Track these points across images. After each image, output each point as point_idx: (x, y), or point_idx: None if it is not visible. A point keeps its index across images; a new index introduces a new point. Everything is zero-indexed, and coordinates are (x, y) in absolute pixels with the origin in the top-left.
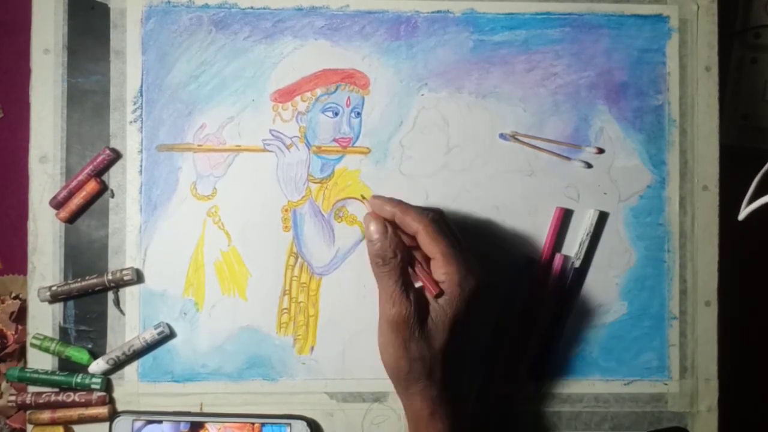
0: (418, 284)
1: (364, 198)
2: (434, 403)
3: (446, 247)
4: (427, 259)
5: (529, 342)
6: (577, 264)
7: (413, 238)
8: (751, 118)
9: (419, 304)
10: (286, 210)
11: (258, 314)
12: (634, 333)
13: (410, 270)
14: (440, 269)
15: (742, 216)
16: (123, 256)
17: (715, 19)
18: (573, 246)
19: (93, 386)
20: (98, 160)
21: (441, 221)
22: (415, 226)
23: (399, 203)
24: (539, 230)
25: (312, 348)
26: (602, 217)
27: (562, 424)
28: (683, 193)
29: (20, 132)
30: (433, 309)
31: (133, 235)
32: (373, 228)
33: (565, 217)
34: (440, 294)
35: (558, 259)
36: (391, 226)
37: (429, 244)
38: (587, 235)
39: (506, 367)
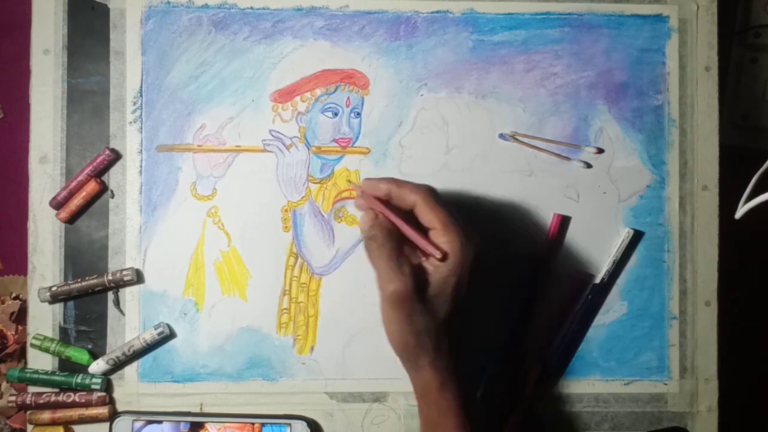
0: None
1: (350, 182)
2: (444, 374)
3: (446, 216)
4: (424, 231)
5: (527, 344)
6: (606, 280)
7: (408, 213)
8: (751, 118)
9: (417, 277)
10: (286, 210)
11: (258, 314)
12: (634, 333)
13: (408, 248)
14: (441, 237)
15: (739, 214)
16: (123, 257)
17: (715, 19)
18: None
19: (93, 386)
20: (98, 161)
21: (436, 193)
22: (412, 197)
23: (393, 179)
24: (539, 230)
25: (312, 348)
26: (636, 237)
27: (562, 424)
28: (683, 193)
29: (20, 132)
30: (433, 279)
31: (133, 236)
32: (363, 216)
33: (563, 222)
34: (445, 257)
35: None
36: (380, 209)
37: (428, 213)
38: (618, 252)
39: (507, 368)
